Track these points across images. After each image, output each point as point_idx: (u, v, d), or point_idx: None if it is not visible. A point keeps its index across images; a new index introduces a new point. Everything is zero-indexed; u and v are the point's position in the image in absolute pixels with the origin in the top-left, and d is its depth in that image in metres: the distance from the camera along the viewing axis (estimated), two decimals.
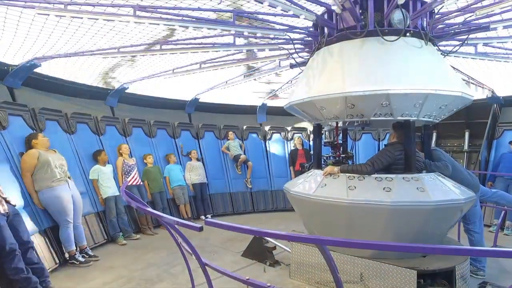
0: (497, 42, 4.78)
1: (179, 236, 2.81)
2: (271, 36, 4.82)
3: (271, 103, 9.07)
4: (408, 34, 3.65)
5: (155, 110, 8.01)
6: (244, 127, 8.82)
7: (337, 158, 4.26)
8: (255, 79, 7.23)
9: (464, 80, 6.18)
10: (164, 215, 2.57)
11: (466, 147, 8.02)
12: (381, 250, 3.43)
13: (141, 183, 6.48)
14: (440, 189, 3.47)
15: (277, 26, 4.54)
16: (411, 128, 3.62)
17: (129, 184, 6.09)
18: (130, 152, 6.68)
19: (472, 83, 6.87)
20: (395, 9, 3.59)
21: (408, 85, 3.34)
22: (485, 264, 4.12)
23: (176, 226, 2.78)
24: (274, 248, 4.71)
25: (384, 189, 3.40)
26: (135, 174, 6.31)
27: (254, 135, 8.89)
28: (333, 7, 3.68)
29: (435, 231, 3.60)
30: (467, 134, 8.05)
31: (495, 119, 7.36)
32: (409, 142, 3.62)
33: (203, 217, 7.45)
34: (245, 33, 4.89)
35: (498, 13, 3.92)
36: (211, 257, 4.95)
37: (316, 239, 2.02)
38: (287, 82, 7.58)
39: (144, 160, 6.90)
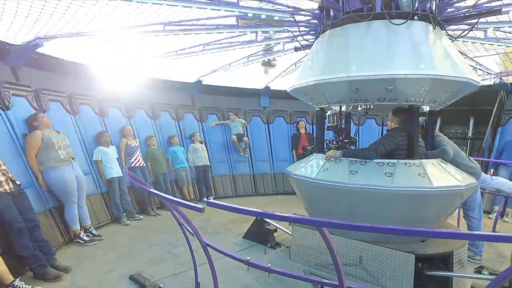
0: (509, 27, 4.67)
1: (181, 217, 2.86)
2: (276, 18, 4.73)
3: (275, 86, 9.01)
4: (416, 17, 3.57)
5: (158, 92, 7.98)
6: (247, 110, 8.80)
7: (340, 143, 4.26)
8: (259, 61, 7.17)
9: (471, 65, 6.08)
10: (167, 196, 2.61)
11: (470, 134, 7.97)
12: (381, 234, 3.48)
13: (144, 164, 6.53)
14: (441, 175, 3.48)
15: (282, 8, 4.46)
16: (415, 114, 3.59)
17: (132, 165, 6.15)
18: (133, 133, 6.71)
19: (479, 68, 6.76)
20: None
21: (414, 70, 3.29)
22: (482, 249, 4.17)
23: (178, 207, 2.82)
24: (275, 230, 4.78)
25: (385, 174, 3.41)
26: (138, 155, 6.36)
27: (257, 119, 8.88)
28: None
29: (435, 217, 3.63)
30: (471, 121, 7.98)
31: (501, 106, 7.27)
32: (413, 128, 3.60)
33: (205, 198, 7.53)
34: (250, 15, 4.81)
35: None
36: (213, 238, 5.04)
37: (316, 221, 2.05)
38: (291, 65, 7.51)
39: (148, 142, 6.94)
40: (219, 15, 4.76)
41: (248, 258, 2.50)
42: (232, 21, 4.92)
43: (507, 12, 3.90)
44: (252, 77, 8.55)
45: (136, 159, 6.28)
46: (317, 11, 4.41)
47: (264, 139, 8.79)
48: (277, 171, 8.53)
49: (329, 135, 4.55)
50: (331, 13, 4.01)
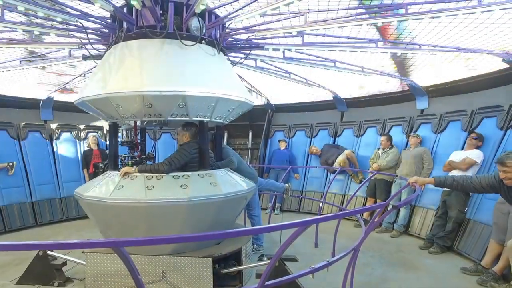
0: (270, 60, 5.91)
1: None
2: (58, 19, 4.13)
3: (60, 97, 7.82)
4: (203, 41, 3.96)
5: None
6: (22, 124, 7.21)
7: (137, 159, 4.14)
8: (37, 67, 6.05)
9: (247, 88, 7.30)
10: None
11: (250, 145, 9.54)
12: (180, 244, 3.61)
13: None
14: (229, 183, 3.97)
15: (68, 9, 3.94)
16: (204, 128, 3.96)
17: None
18: None
19: (253, 91, 8.23)
20: (193, 16, 3.83)
21: (202, 88, 3.62)
22: (263, 241, 5.04)
23: None
24: (64, 264, 4.10)
25: (181, 186, 3.57)
26: None
27: (37, 134, 7.42)
28: (133, 2, 3.55)
29: (226, 220, 4.09)
30: (250, 134, 9.58)
31: (269, 122, 9.11)
32: (203, 141, 3.96)
33: None
34: (20, 8, 3.98)
35: (270, 37, 4.87)
36: None
37: (112, 242, 1.91)
38: (80, 75, 6.74)
39: None
40: None
41: None
42: None
43: (267, 49, 4.92)
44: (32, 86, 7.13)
45: None
46: (109, 20, 4.18)
47: (46, 157, 7.41)
48: (67, 194, 7.34)
49: (124, 150, 4.35)
50: (124, 25, 3.90)
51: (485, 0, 3.60)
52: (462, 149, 5.55)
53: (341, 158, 7.24)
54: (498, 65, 5.40)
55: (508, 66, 5.19)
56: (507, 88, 5.48)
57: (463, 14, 3.76)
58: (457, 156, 5.29)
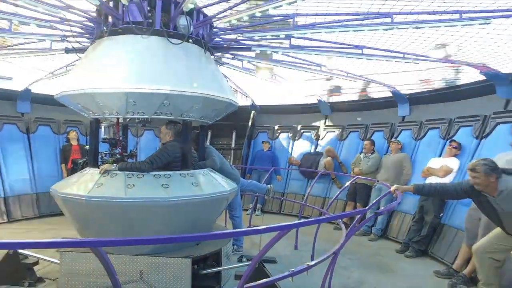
0: (256, 62, 5.91)
1: None
2: (40, 9, 4.00)
3: (38, 89, 7.57)
4: (190, 40, 3.92)
5: None
6: None
7: (118, 156, 4.05)
8: (16, 57, 5.84)
9: (232, 88, 7.29)
10: None
11: (233, 145, 9.52)
12: (159, 244, 3.56)
13: None
14: (211, 183, 3.95)
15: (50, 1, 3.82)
16: (188, 128, 3.92)
17: None
18: None
19: (238, 91, 8.21)
20: (181, 14, 3.78)
21: (187, 87, 3.59)
22: (243, 242, 5.03)
23: None
24: (36, 263, 3.96)
25: (162, 185, 3.52)
26: None
27: (12, 127, 7.16)
28: None
29: (207, 221, 4.07)
30: (234, 134, 9.56)
31: (253, 122, 9.12)
32: (186, 141, 3.92)
33: None
34: None
35: (257, 39, 4.87)
36: None
37: (89, 242, 1.88)
38: (60, 68, 6.55)
39: None
40: None
41: None
42: None
43: (254, 50, 4.92)
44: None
45: None
46: (93, 14, 4.08)
47: (21, 151, 7.17)
48: (43, 189, 7.09)
49: (105, 147, 4.26)
50: (110, 19, 3.82)
51: (466, 15, 3.73)
52: (440, 156, 5.72)
53: (325, 159, 7.34)
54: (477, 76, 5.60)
55: (485, 78, 5.38)
56: (483, 99, 5.69)
57: (445, 26, 3.89)
58: (435, 163, 5.45)
